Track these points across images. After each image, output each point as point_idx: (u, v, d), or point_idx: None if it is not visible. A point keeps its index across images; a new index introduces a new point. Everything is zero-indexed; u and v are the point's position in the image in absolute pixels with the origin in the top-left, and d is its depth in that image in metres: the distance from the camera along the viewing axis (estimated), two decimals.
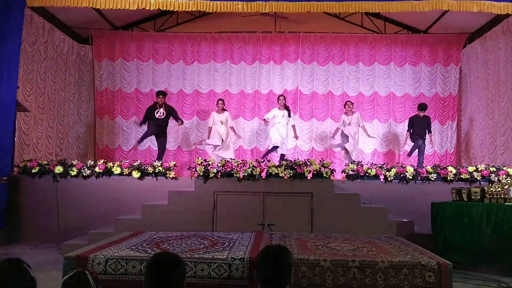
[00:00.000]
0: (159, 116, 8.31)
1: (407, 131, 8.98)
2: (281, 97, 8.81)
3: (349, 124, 8.76)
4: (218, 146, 8.69)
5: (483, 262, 5.01)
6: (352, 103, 9.16)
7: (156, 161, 7.64)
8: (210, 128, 8.88)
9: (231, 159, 6.65)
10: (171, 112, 8.55)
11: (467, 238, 5.11)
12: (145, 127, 8.61)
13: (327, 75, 10.78)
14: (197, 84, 10.80)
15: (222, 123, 8.75)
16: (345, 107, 9.00)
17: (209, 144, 8.87)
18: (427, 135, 8.70)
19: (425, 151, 9.15)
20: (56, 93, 9.32)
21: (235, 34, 10.81)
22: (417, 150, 8.74)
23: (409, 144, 9.11)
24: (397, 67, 10.70)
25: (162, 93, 8.55)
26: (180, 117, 8.82)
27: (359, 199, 6.21)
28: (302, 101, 10.77)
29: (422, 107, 8.73)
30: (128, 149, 10.58)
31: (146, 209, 6.11)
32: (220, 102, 8.98)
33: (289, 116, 8.63)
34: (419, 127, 8.66)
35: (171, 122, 8.79)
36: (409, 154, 9.02)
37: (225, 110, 9.02)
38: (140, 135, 9.12)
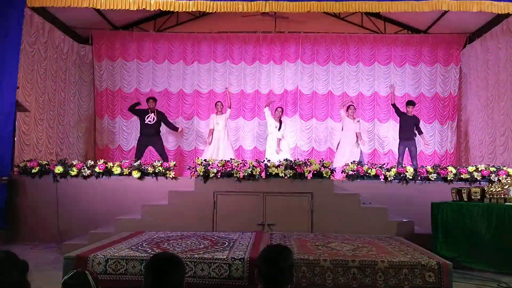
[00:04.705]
0: (149, 121, 8.39)
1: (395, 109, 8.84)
2: (279, 109, 8.90)
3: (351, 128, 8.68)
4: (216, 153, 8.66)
5: (483, 262, 5.01)
6: (355, 108, 9.09)
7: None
8: (212, 131, 8.92)
9: (231, 159, 6.66)
10: (162, 118, 8.67)
11: (467, 238, 5.11)
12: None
13: (327, 75, 10.78)
14: (197, 84, 10.80)
15: (219, 125, 8.79)
16: (347, 111, 8.81)
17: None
18: (417, 137, 8.61)
19: (425, 152, 9.09)
20: (56, 93, 9.32)
21: (235, 34, 10.80)
22: (408, 155, 8.58)
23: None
24: (397, 67, 10.69)
25: (152, 98, 8.69)
26: (172, 123, 8.96)
27: (359, 199, 6.20)
28: (302, 101, 10.76)
29: (412, 102, 8.72)
30: (128, 149, 10.59)
31: (146, 209, 6.11)
32: (219, 104, 9.00)
33: (279, 129, 8.67)
34: (406, 127, 8.58)
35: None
36: (399, 162, 8.38)
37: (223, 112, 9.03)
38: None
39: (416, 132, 8.64)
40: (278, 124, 8.72)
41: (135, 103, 8.93)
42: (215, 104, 9.14)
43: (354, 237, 4.99)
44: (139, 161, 7.30)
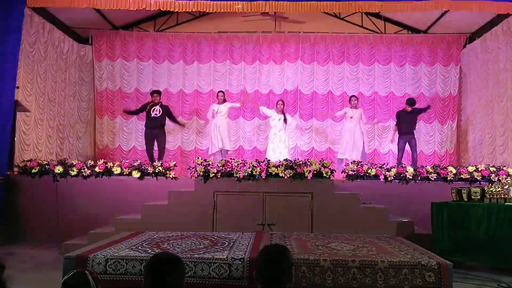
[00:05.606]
0: (155, 114, 8.37)
1: (395, 125, 8.98)
2: (280, 102, 8.92)
3: (351, 117, 8.71)
4: (221, 147, 8.74)
5: (483, 262, 5.02)
6: (357, 98, 9.14)
7: (156, 161, 7.62)
8: (211, 120, 9.12)
9: (227, 151, 6.67)
10: (167, 112, 8.64)
11: (467, 238, 5.11)
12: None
13: (327, 75, 10.79)
14: (197, 84, 10.81)
15: (223, 111, 8.91)
16: (350, 102, 8.94)
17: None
18: (416, 132, 8.82)
19: (425, 152, 9.06)
20: (56, 93, 9.32)
21: (235, 34, 10.81)
22: (408, 147, 8.71)
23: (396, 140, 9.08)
24: (397, 67, 10.70)
25: (157, 92, 8.69)
26: (178, 119, 9.00)
27: (359, 199, 6.20)
28: (302, 101, 10.77)
29: (411, 102, 8.74)
30: (128, 149, 10.60)
31: (146, 209, 6.11)
32: (220, 94, 9.11)
33: (285, 122, 8.68)
34: (405, 122, 8.65)
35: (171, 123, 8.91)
36: (399, 159, 8.62)
37: (226, 101, 9.21)
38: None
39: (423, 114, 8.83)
40: (282, 116, 8.69)
41: (129, 111, 9.34)
42: (217, 94, 9.19)
43: (354, 237, 4.98)
44: (139, 161, 7.31)
